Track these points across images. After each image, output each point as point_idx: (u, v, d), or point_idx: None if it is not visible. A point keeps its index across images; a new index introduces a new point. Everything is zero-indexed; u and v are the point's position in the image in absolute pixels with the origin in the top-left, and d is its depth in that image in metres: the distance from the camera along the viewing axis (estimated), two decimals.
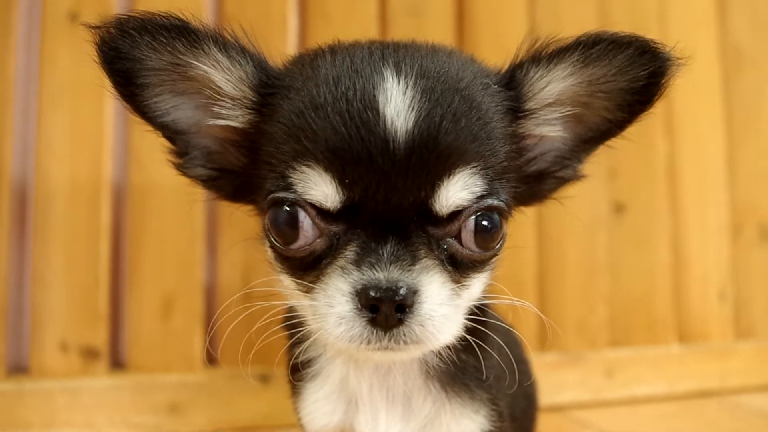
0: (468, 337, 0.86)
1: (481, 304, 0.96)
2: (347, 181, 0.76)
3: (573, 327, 1.88)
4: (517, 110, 0.88)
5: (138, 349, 1.67)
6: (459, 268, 0.81)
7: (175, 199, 1.65)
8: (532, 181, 0.95)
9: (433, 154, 0.75)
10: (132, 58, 0.86)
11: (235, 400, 1.64)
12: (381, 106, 0.76)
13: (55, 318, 1.62)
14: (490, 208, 0.81)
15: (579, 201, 1.90)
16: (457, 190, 0.77)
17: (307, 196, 0.78)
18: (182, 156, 0.97)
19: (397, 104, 0.76)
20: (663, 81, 0.87)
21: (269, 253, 0.88)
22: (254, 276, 1.59)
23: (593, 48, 0.85)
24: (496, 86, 0.87)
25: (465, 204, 0.78)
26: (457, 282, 0.81)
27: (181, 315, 1.67)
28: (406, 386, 0.92)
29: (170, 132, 0.96)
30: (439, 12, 1.87)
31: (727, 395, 1.87)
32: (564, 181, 0.98)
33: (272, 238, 0.84)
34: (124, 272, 1.70)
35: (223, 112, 0.91)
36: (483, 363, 0.93)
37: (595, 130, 0.94)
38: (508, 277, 1.80)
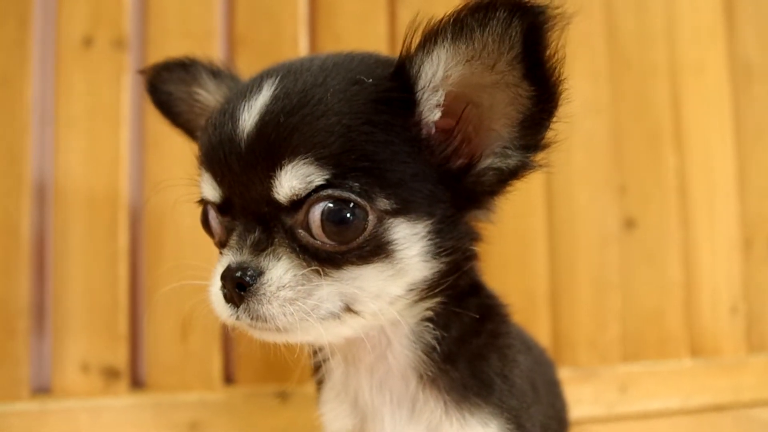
0: (471, 347, 0.92)
1: (499, 319, 0.98)
2: (218, 179, 0.85)
3: (585, 342, 1.90)
4: (404, 101, 0.82)
5: (158, 368, 1.70)
6: (317, 258, 0.81)
7: (191, 221, 1.67)
8: (472, 176, 0.86)
9: (265, 149, 0.80)
10: (165, 91, 1.10)
11: (254, 418, 1.66)
12: (239, 113, 0.83)
13: (76, 339, 1.65)
14: (335, 199, 0.78)
15: (590, 217, 1.95)
16: (288, 180, 0.79)
17: (204, 196, 0.90)
18: None
19: (250, 110, 0.83)
20: (540, 39, 0.75)
21: None
22: None
23: (465, 19, 0.76)
24: (371, 80, 0.83)
25: (300, 193, 0.79)
26: (321, 272, 0.81)
27: (199, 334, 1.69)
28: (408, 390, 0.93)
29: None
30: None
31: (741, 409, 1.87)
32: (506, 174, 0.86)
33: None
34: (142, 293, 1.73)
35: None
36: (494, 377, 0.93)
37: (522, 111, 0.82)
38: (520, 293, 1.85)
